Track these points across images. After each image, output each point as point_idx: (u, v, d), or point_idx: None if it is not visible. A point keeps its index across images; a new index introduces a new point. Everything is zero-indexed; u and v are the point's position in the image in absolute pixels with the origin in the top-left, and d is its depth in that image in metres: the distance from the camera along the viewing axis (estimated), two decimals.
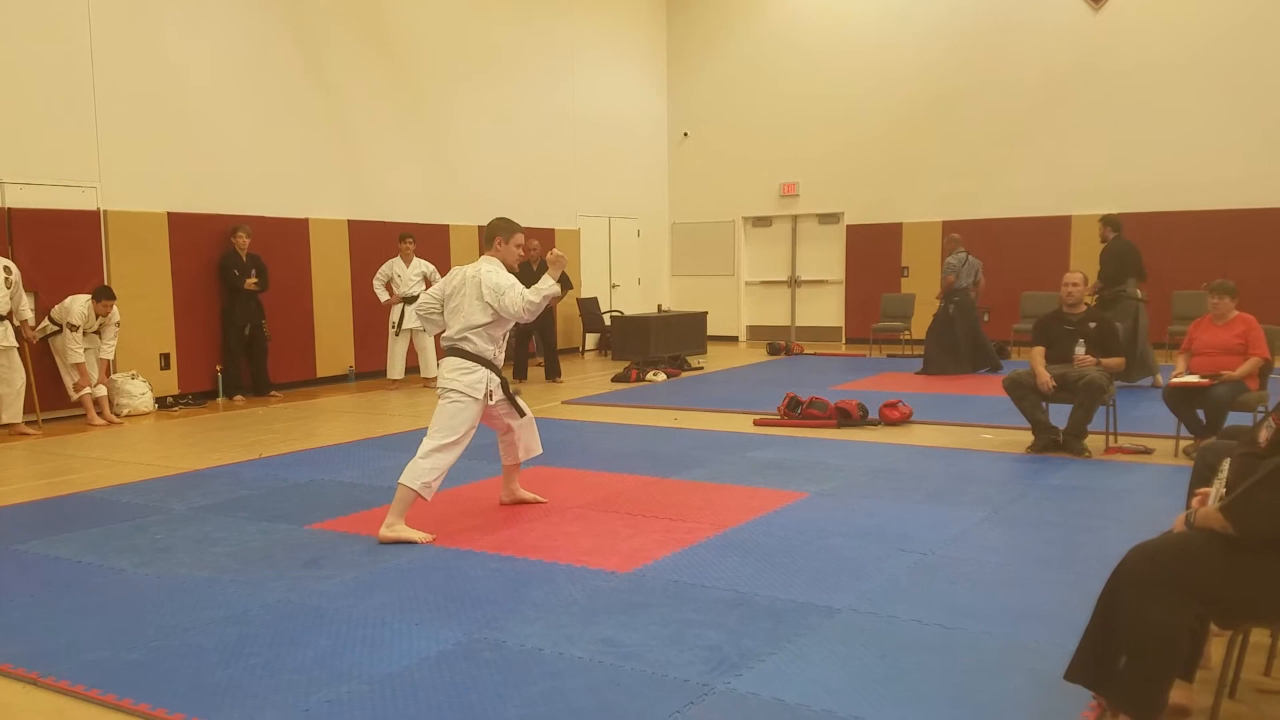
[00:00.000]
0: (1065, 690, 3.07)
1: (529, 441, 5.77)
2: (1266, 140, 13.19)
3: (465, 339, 5.33)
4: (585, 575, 4.53)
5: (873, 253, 15.98)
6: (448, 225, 13.43)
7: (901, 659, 3.53)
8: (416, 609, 4.13)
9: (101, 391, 9.41)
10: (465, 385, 5.28)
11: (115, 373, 9.81)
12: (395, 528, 5.17)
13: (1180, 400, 6.83)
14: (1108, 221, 10.75)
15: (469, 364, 5.32)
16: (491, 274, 5.32)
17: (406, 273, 11.61)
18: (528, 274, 12.16)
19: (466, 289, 5.34)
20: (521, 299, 5.24)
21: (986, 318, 13.03)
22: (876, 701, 3.21)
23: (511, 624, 3.92)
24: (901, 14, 15.55)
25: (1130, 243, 10.63)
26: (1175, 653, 2.74)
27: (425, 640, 3.78)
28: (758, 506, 5.69)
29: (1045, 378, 6.99)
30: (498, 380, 5.41)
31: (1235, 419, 6.51)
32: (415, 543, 5.10)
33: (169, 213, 10.40)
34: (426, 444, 5.25)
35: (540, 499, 5.88)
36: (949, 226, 15.20)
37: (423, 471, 5.17)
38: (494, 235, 5.51)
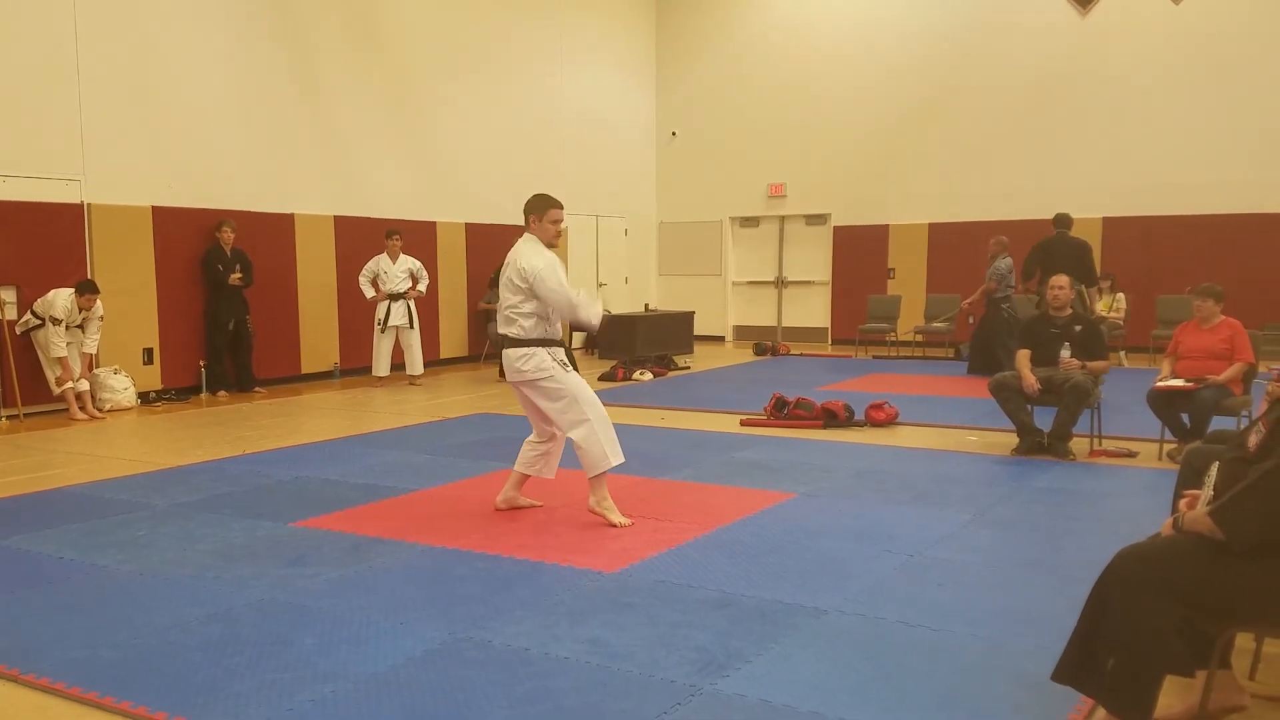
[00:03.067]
0: (1053, 691, 3.08)
1: (553, 463, 5.66)
2: (1252, 145, 13.28)
3: (512, 324, 5.30)
4: (572, 575, 4.51)
5: (859, 254, 16.00)
6: (435, 222, 13.39)
7: (888, 660, 3.54)
8: (402, 608, 4.11)
9: (84, 386, 9.34)
10: (534, 367, 5.24)
11: (98, 367, 9.73)
12: (603, 504, 5.35)
13: (1165, 404, 6.87)
14: (1054, 219, 10.83)
15: (525, 350, 5.26)
16: (527, 255, 5.27)
17: (393, 269, 11.57)
18: None
19: (507, 270, 5.33)
20: (562, 292, 5.19)
21: (972, 320, 13.10)
22: (863, 703, 3.20)
23: (498, 623, 3.90)
24: (890, 16, 15.58)
25: (1062, 239, 10.53)
26: (1163, 654, 2.75)
27: (411, 639, 3.76)
28: (745, 507, 5.69)
29: (1030, 380, 7.02)
30: (562, 353, 5.34)
31: (1219, 423, 6.56)
32: (615, 524, 5.28)
33: (153, 207, 10.32)
34: (575, 433, 5.26)
35: (536, 503, 5.78)
36: (935, 229, 15.28)
37: (598, 457, 5.22)
38: (527, 215, 5.39)
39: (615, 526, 5.28)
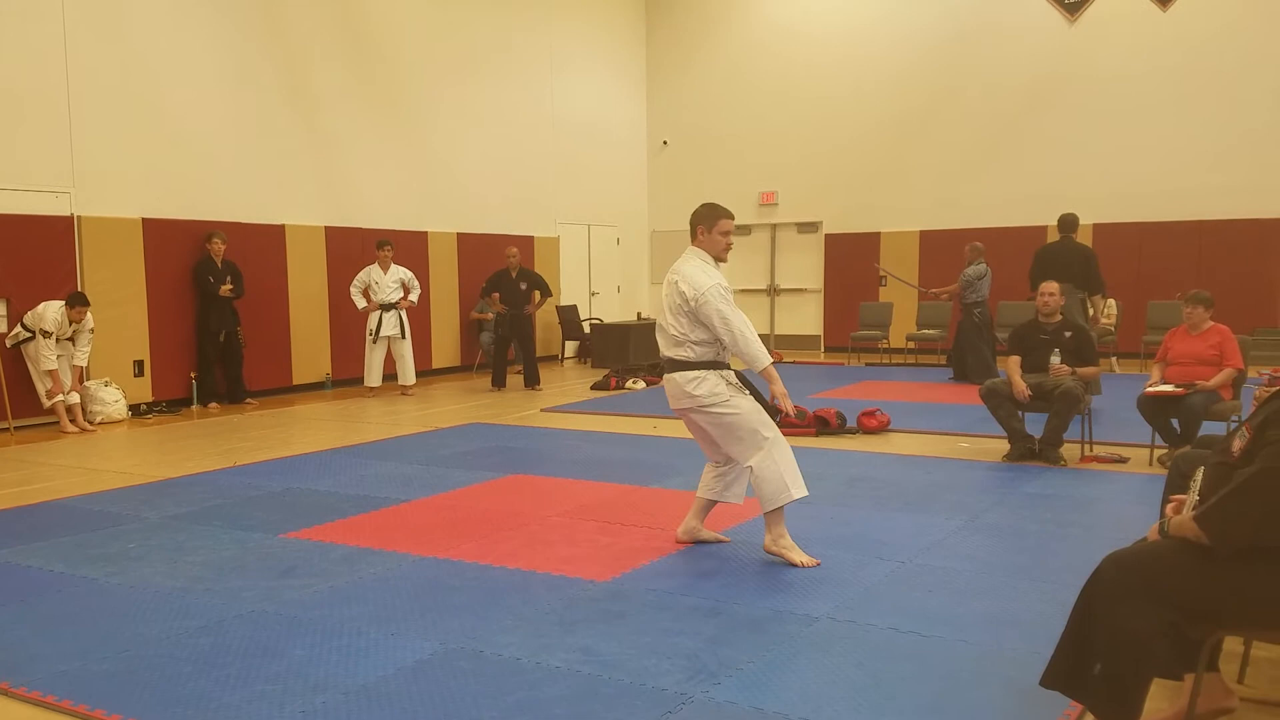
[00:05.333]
0: (1041, 697, 3.08)
1: (738, 487, 5.00)
2: (1241, 151, 13.36)
3: (680, 345, 4.78)
4: (563, 584, 4.51)
5: (851, 262, 16.05)
6: (426, 232, 13.40)
7: (879, 667, 3.54)
8: (393, 618, 4.10)
9: (74, 398, 9.32)
10: (707, 393, 4.73)
11: (88, 380, 9.71)
12: (780, 542, 4.82)
13: (1155, 409, 6.89)
14: (1059, 221, 10.25)
15: (696, 373, 4.75)
16: (692, 272, 4.78)
17: (384, 280, 11.56)
18: (505, 281, 12.18)
19: (668, 291, 4.83)
20: (720, 317, 4.63)
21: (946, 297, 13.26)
22: (854, 710, 3.21)
23: (489, 633, 3.90)
24: (880, 25, 15.66)
25: (1064, 246, 9.98)
26: (1149, 659, 2.76)
27: (402, 650, 3.76)
28: (736, 515, 5.69)
29: (1021, 387, 7.04)
30: (733, 375, 4.82)
31: (1209, 428, 6.58)
32: (797, 564, 4.74)
33: (143, 218, 10.31)
34: (753, 460, 4.73)
35: (723, 538, 5.17)
36: (926, 236, 15.32)
37: (778, 487, 4.70)
38: (695, 225, 4.91)
39: (795, 566, 4.75)
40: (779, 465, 4.71)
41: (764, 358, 4.70)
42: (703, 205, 4.96)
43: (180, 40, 10.63)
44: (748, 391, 4.84)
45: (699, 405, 4.77)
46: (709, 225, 4.88)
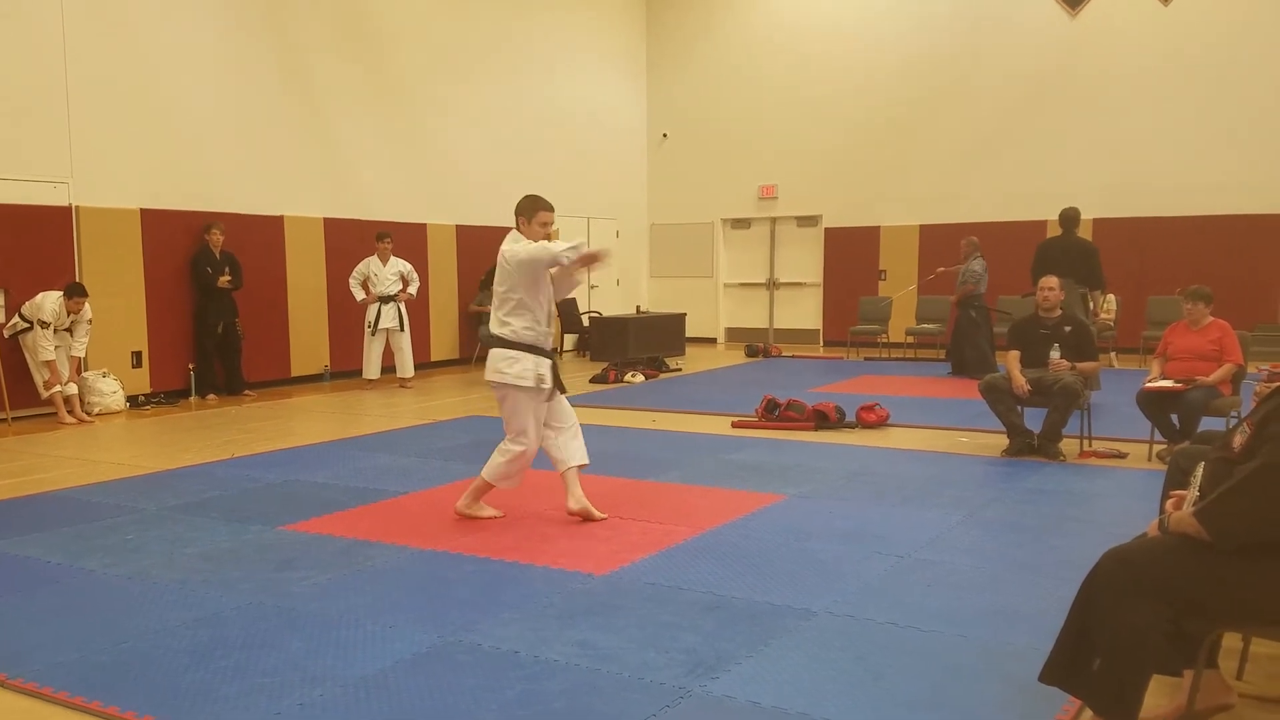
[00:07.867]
0: (1040, 692, 3.08)
1: (564, 451, 5.47)
2: (1242, 147, 13.34)
3: (503, 324, 5.28)
4: (562, 577, 4.51)
5: (851, 256, 16.03)
6: (425, 224, 13.38)
7: (878, 661, 3.54)
8: (391, 611, 4.10)
9: (72, 389, 9.30)
10: (513, 376, 5.23)
11: (86, 371, 9.69)
12: (470, 506, 5.55)
13: (1154, 404, 6.89)
14: (1060, 216, 10.14)
15: (513, 353, 5.25)
16: (510, 244, 5.27)
17: (383, 272, 11.54)
18: None
19: (498, 273, 5.33)
20: (524, 251, 5.13)
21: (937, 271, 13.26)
22: (852, 704, 3.20)
23: (488, 626, 3.90)
24: (881, 18, 15.62)
25: (1065, 242, 9.87)
26: (1148, 655, 2.75)
27: (400, 642, 3.75)
28: (735, 509, 5.69)
29: (1020, 382, 7.03)
30: (548, 364, 5.31)
31: (1208, 424, 6.58)
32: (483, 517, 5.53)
33: (142, 209, 10.29)
34: (503, 445, 5.41)
35: (600, 515, 5.51)
36: (926, 230, 15.31)
37: (494, 467, 5.42)
38: (517, 215, 5.36)
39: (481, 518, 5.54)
40: (498, 460, 5.40)
41: (566, 253, 5.12)
42: (524, 197, 5.38)
43: (179, 30, 10.59)
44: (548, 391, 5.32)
45: (503, 382, 5.27)
46: (529, 217, 5.30)
